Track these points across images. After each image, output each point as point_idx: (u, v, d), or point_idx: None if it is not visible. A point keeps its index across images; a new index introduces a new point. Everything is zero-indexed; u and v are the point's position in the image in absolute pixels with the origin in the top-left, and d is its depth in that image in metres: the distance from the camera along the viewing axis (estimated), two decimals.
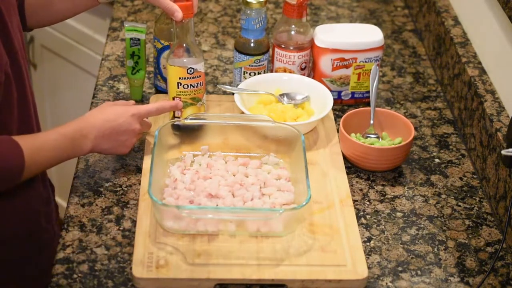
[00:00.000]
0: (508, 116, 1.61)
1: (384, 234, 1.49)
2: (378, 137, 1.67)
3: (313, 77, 1.78)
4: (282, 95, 1.73)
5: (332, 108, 1.74)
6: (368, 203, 1.56)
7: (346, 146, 1.62)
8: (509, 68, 1.64)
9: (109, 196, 1.53)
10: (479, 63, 1.77)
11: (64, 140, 1.42)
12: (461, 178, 1.64)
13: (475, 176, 1.65)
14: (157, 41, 1.72)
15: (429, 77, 1.94)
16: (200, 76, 1.60)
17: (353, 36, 1.78)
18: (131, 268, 1.37)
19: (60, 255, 1.41)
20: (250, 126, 1.61)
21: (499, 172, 1.54)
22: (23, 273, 1.56)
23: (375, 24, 2.10)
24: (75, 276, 1.37)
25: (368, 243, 1.47)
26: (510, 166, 1.43)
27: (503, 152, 1.42)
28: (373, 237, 1.49)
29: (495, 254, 1.47)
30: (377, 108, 1.69)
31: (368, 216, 1.53)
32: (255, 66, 1.76)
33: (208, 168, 1.55)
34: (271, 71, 1.81)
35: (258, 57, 1.75)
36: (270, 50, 1.79)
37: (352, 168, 1.64)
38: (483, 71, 1.75)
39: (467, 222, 1.54)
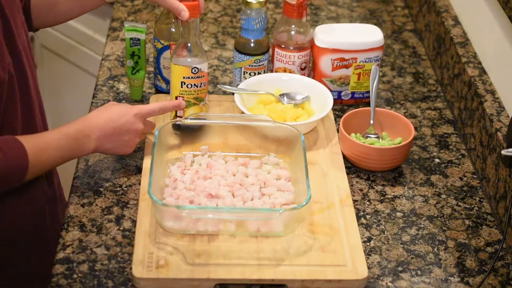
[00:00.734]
0: (508, 116, 1.61)
1: (384, 234, 1.49)
2: (378, 137, 1.66)
3: (313, 77, 1.78)
4: (282, 95, 1.73)
5: (332, 108, 1.74)
6: (368, 203, 1.56)
7: (346, 146, 1.62)
8: (509, 68, 1.64)
9: (109, 196, 1.53)
10: (479, 63, 1.77)
11: (67, 140, 1.42)
12: (461, 178, 1.64)
13: (475, 176, 1.65)
14: (157, 41, 1.72)
15: (429, 77, 1.94)
16: (203, 76, 1.60)
17: (353, 36, 1.78)
18: (131, 268, 1.37)
19: (60, 255, 1.41)
20: (250, 126, 1.61)
21: (499, 172, 1.54)
22: (29, 270, 1.56)
23: (375, 24, 2.10)
24: (75, 276, 1.37)
25: (368, 243, 1.47)
26: (510, 166, 1.43)
27: (503, 152, 1.41)
28: (373, 237, 1.49)
29: (495, 254, 1.47)
30: (377, 108, 1.69)
31: (368, 216, 1.53)
32: (255, 66, 1.76)
33: (208, 168, 1.55)
34: (271, 71, 1.81)
35: (258, 57, 1.75)
36: (270, 50, 1.79)
37: (352, 168, 1.64)
38: (483, 71, 1.75)
39: (467, 222, 1.54)
